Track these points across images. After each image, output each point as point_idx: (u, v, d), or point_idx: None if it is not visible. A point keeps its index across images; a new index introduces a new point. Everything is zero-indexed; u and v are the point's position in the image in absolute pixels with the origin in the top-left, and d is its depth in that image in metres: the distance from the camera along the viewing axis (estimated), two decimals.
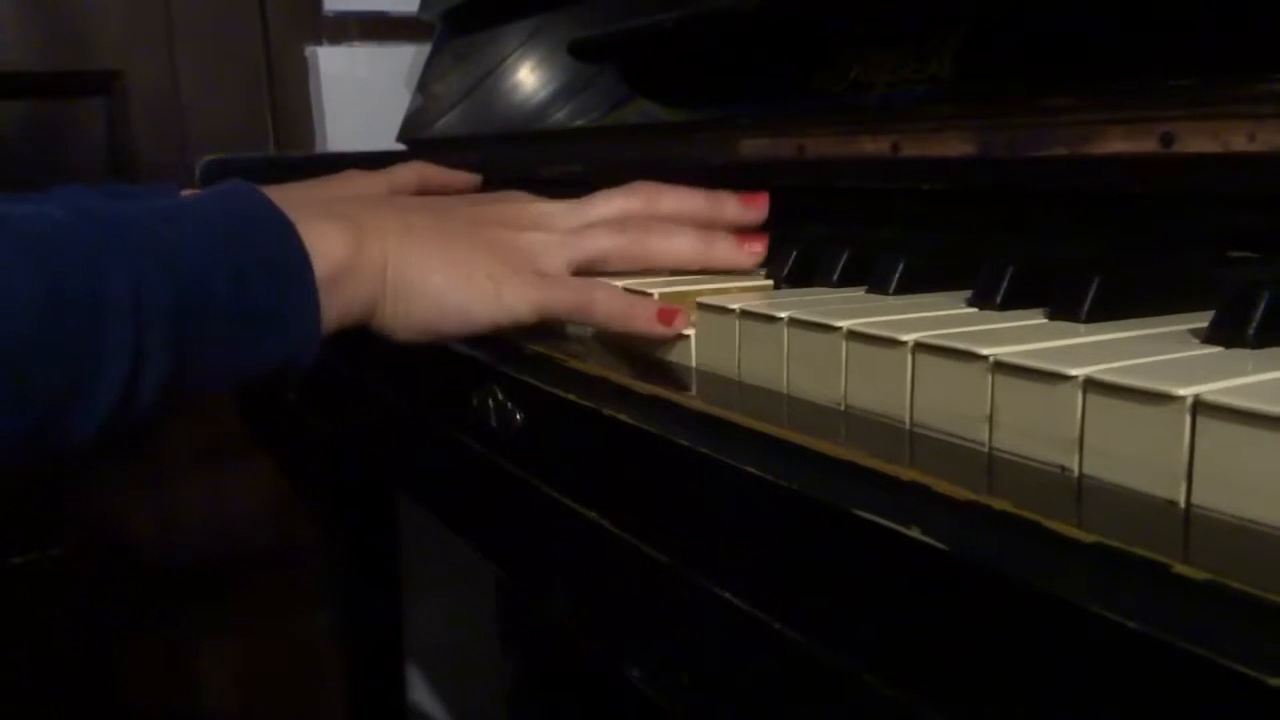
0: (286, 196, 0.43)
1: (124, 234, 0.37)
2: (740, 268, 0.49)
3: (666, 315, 0.42)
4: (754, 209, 0.51)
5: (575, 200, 0.52)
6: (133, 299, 0.36)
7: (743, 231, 0.50)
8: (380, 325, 0.46)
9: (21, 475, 1.09)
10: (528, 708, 1.16)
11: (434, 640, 1.33)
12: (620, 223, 0.50)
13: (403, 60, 1.19)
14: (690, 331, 0.41)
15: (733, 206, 0.51)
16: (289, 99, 1.19)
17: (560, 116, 0.85)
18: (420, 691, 1.35)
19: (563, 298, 0.45)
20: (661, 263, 0.49)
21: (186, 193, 0.79)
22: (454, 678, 1.33)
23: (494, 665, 1.21)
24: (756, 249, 0.49)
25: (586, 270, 0.48)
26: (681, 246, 0.49)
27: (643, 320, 0.42)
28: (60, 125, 1.13)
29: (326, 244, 0.43)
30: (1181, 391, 0.25)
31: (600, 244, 0.48)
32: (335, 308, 0.43)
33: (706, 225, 0.50)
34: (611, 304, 0.44)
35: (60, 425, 0.36)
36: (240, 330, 0.40)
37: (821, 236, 0.50)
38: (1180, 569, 0.21)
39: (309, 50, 1.18)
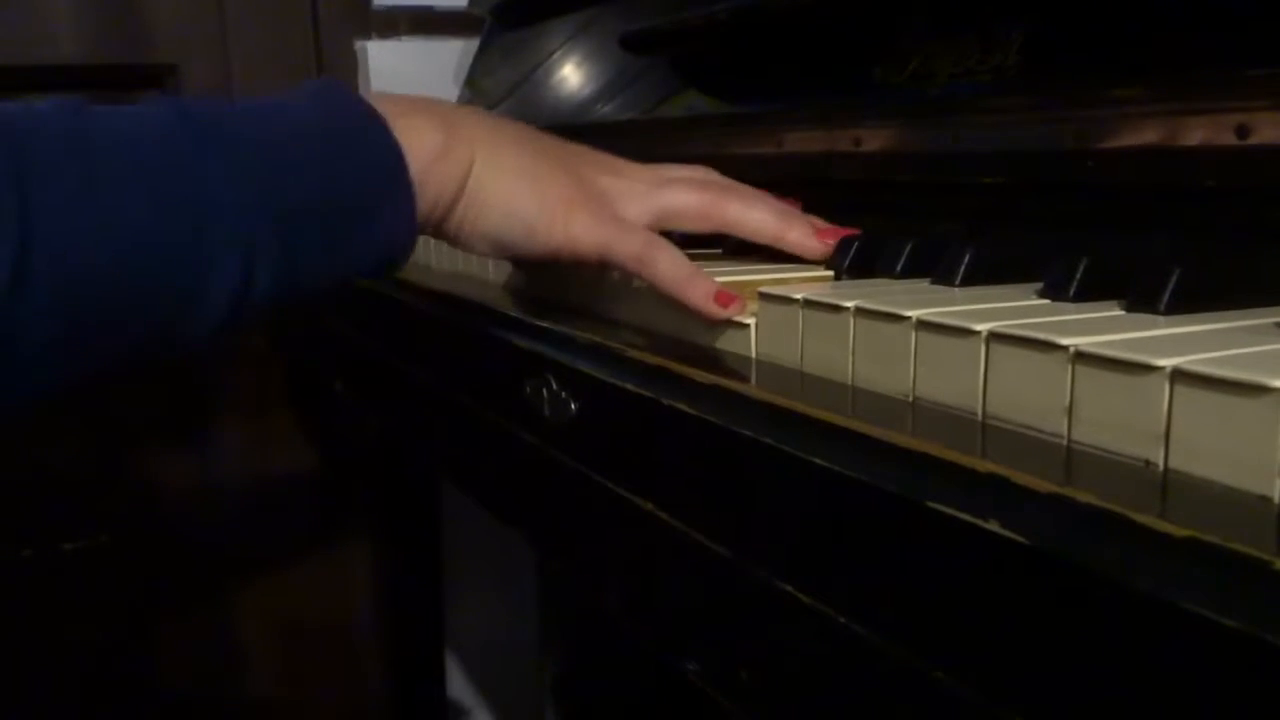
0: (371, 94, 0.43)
1: (222, 135, 0.38)
2: (811, 255, 0.48)
3: (724, 298, 0.41)
4: (822, 241, 0.49)
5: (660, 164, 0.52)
6: (235, 196, 0.37)
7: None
8: (449, 229, 0.46)
9: (73, 465, 1.11)
10: (568, 703, 1.15)
11: (474, 634, 1.34)
12: (703, 183, 0.50)
13: (451, 55, 1.19)
14: (750, 321, 0.40)
15: (798, 230, 0.49)
16: None
17: (609, 109, 0.84)
18: (459, 685, 1.35)
19: (629, 243, 0.45)
20: (736, 230, 0.49)
21: None
22: (494, 672, 1.33)
23: (534, 660, 1.21)
24: (829, 240, 0.48)
25: (661, 225, 0.48)
26: (760, 218, 0.48)
27: (700, 294, 0.42)
28: None
29: (419, 139, 0.43)
30: (1277, 383, 0.24)
31: (682, 198, 0.48)
32: (423, 203, 0.43)
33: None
34: (675, 267, 0.43)
35: (177, 326, 0.37)
36: (338, 226, 0.40)
37: (881, 228, 0.49)
38: None
39: (358, 45, 1.19)
